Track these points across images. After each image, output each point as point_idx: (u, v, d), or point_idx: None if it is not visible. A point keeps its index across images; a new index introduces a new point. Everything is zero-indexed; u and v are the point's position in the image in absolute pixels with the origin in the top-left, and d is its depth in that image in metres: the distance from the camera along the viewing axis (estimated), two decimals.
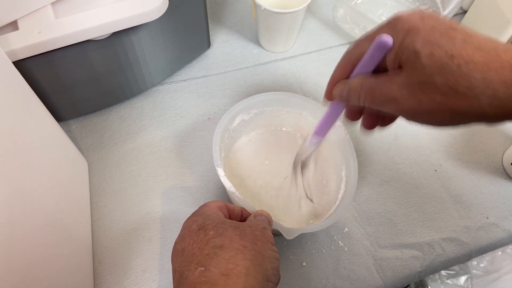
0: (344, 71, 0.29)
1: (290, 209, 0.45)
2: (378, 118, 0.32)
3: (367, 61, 0.27)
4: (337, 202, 0.42)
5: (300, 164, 0.43)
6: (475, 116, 0.24)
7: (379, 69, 0.27)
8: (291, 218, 0.44)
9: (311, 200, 0.44)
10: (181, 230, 0.33)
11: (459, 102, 0.23)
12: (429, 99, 0.24)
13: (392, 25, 0.26)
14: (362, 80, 0.28)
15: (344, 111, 0.33)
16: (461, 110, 0.23)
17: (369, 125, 0.32)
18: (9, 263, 0.28)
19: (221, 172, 0.40)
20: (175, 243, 0.33)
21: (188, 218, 0.34)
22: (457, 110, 0.24)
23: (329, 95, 0.31)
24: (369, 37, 0.27)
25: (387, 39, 0.25)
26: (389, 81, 0.26)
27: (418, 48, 0.24)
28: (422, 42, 0.24)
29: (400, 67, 0.25)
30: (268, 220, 0.36)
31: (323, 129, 0.36)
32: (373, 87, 0.27)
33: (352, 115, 0.32)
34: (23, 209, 0.30)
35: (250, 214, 0.37)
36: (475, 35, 0.24)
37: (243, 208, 0.37)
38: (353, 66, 0.29)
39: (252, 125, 0.49)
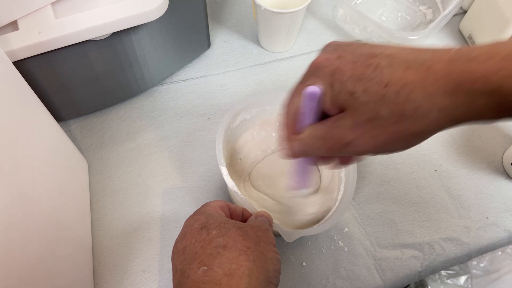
0: (291, 127, 0.28)
1: (288, 207, 0.45)
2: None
3: (305, 115, 0.27)
4: (337, 204, 0.42)
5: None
6: (431, 131, 0.23)
7: (324, 116, 0.26)
8: (291, 220, 0.44)
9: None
10: (183, 229, 0.33)
11: (411, 125, 0.23)
12: (382, 132, 0.24)
13: (314, 74, 0.25)
14: (312, 131, 0.27)
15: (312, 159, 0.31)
16: (416, 131, 0.23)
17: (344, 162, 0.30)
18: (9, 263, 0.28)
19: (224, 171, 0.40)
20: (176, 241, 0.32)
21: (190, 216, 0.34)
22: (412, 133, 0.23)
23: (287, 153, 0.30)
24: (299, 91, 0.27)
25: (313, 89, 0.25)
26: (337, 127, 0.25)
27: (351, 89, 0.23)
28: (352, 81, 0.23)
29: (341, 110, 0.25)
30: (269, 222, 0.36)
31: (300, 182, 0.34)
32: (324, 135, 0.26)
33: (323, 158, 0.30)
34: (23, 209, 0.30)
35: (251, 214, 0.37)
36: (397, 53, 0.23)
37: (244, 208, 0.37)
38: (296, 121, 0.28)
39: (254, 123, 0.49)
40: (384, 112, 0.23)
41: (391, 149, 0.25)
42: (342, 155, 0.27)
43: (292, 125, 0.28)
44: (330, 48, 0.26)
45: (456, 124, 0.23)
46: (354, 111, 0.24)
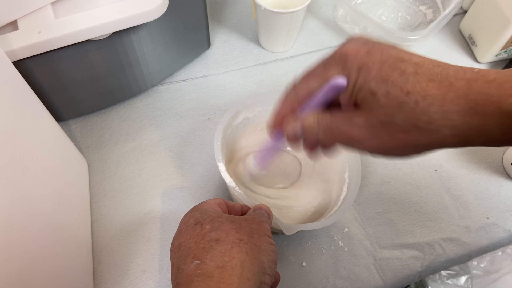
0: (291, 106, 0.28)
1: (289, 206, 0.45)
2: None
3: (320, 100, 0.27)
4: (339, 203, 0.42)
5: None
6: (438, 146, 0.24)
7: (328, 103, 0.27)
8: (290, 215, 0.44)
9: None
10: (179, 226, 0.33)
11: (422, 137, 0.23)
12: (392, 137, 0.24)
13: (341, 62, 0.25)
14: (318, 118, 0.27)
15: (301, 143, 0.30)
16: (424, 143, 0.24)
17: (310, 148, 0.29)
18: (9, 263, 0.28)
19: (222, 167, 0.40)
20: (173, 239, 0.33)
21: (186, 213, 0.34)
22: (420, 144, 0.24)
23: (274, 128, 0.30)
24: (319, 75, 0.26)
25: (343, 81, 0.25)
26: (348, 122, 0.25)
27: (374, 88, 0.23)
28: (376, 81, 0.23)
29: (356, 105, 0.25)
30: (268, 214, 0.36)
31: (265, 160, 0.36)
32: (333, 126, 0.26)
33: (311, 146, 0.29)
34: (22, 209, 0.30)
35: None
36: (424, 63, 0.23)
37: (243, 205, 0.37)
38: (301, 102, 0.28)
39: (255, 122, 0.49)
40: (399, 119, 0.23)
41: (395, 154, 0.25)
42: (344, 147, 0.27)
43: (295, 102, 0.28)
44: (360, 41, 0.26)
45: (465, 144, 0.23)
46: (370, 111, 0.24)
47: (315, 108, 0.27)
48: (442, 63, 0.23)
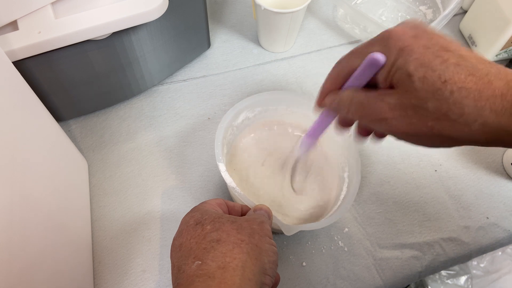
0: (335, 82, 0.29)
1: (289, 206, 0.45)
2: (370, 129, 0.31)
3: (358, 77, 0.27)
4: (338, 203, 0.42)
5: (291, 165, 0.44)
6: (466, 141, 0.24)
7: (369, 84, 0.27)
8: (290, 215, 0.44)
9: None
10: (180, 226, 0.33)
11: (450, 128, 0.23)
12: (420, 122, 0.24)
13: (384, 42, 0.25)
14: (353, 94, 0.28)
15: (335, 118, 0.32)
16: (452, 135, 0.24)
17: (363, 132, 0.31)
18: (9, 263, 0.28)
19: (222, 167, 0.40)
20: (174, 239, 0.33)
21: (186, 214, 0.34)
22: (448, 135, 0.24)
23: (320, 103, 0.31)
24: (361, 52, 0.27)
25: (380, 57, 0.25)
26: (380, 100, 0.25)
27: (411, 71, 0.23)
28: (416, 65, 0.23)
29: (391, 86, 0.25)
30: (268, 214, 0.36)
31: (314, 134, 0.36)
32: (364, 103, 0.27)
33: (344, 123, 0.31)
34: (23, 209, 0.30)
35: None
36: (469, 56, 0.23)
37: (244, 205, 0.37)
38: (344, 79, 0.29)
39: (256, 122, 0.49)
40: (431, 105, 0.23)
41: (418, 142, 0.25)
42: (371, 127, 0.27)
43: (338, 79, 0.29)
44: (410, 24, 0.26)
45: (494, 144, 0.23)
46: (404, 92, 0.24)
47: (355, 85, 0.28)
48: (487, 61, 0.24)
